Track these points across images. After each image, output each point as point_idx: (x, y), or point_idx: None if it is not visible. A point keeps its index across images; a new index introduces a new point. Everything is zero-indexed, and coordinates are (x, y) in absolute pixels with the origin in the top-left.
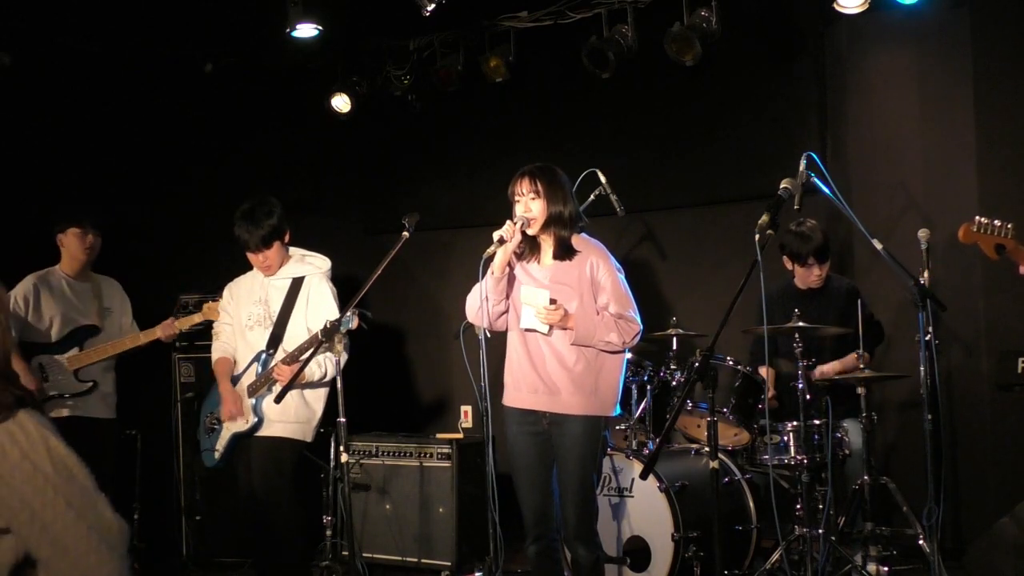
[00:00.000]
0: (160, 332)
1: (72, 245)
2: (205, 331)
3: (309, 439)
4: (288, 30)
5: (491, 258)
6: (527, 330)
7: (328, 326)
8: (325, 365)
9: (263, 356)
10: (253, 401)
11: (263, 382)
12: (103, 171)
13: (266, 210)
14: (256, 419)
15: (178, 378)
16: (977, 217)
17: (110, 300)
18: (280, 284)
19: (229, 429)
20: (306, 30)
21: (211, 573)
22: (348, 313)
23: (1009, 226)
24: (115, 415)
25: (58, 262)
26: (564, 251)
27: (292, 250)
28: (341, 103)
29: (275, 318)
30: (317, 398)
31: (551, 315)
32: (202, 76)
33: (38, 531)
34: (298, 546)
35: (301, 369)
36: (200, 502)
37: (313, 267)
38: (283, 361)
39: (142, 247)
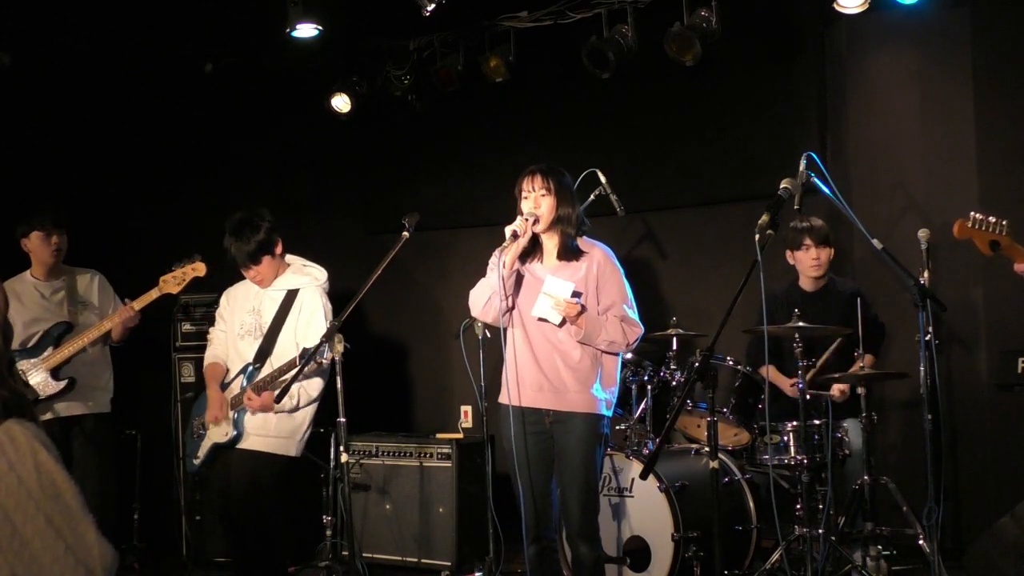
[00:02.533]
0: (118, 318)
1: (37, 249)
2: (206, 332)
3: (293, 453)
4: (288, 30)
5: (504, 251)
6: (539, 319)
7: (304, 352)
8: (297, 396)
9: (249, 369)
10: (235, 414)
11: (242, 399)
12: (103, 171)
13: (254, 224)
14: (235, 432)
15: (178, 378)
16: (972, 213)
17: (86, 293)
18: (275, 295)
19: (210, 439)
20: (306, 30)
21: (211, 573)
22: (324, 346)
23: (1004, 223)
24: (109, 409)
25: (28, 267)
26: (569, 252)
27: (291, 258)
28: (341, 103)
29: (265, 330)
30: (302, 412)
31: (570, 308)
32: (202, 76)
33: (18, 547)
34: (277, 560)
35: (277, 400)
36: (200, 502)
37: (310, 278)
38: (253, 387)
39: (142, 247)
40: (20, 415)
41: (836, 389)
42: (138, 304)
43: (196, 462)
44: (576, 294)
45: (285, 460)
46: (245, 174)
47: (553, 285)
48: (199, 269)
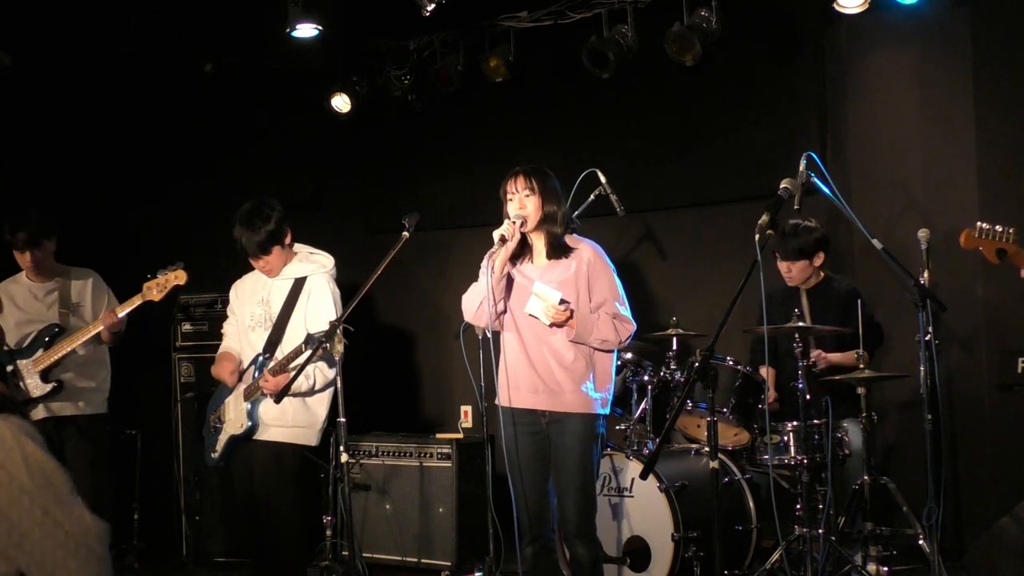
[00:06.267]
0: (101, 323)
1: (17, 259)
2: (206, 332)
3: (314, 443)
4: (288, 30)
5: (493, 257)
6: (530, 315)
7: (309, 338)
8: (313, 376)
9: (260, 360)
10: (248, 405)
11: (256, 388)
12: (103, 171)
13: (264, 215)
14: (250, 423)
15: (178, 378)
16: (979, 223)
17: (79, 296)
18: (282, 284)
19: (226, 431)
20: (306, 30)
21: (211, 573)
22: (328, 338)
23: (1011, 231)
24: (104, 410)
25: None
26: (558, 250)
27: (298, 247)
28: (341, 103)
29: (274, 320)
30: (319, 401)
31: (559, 315)
32: (202, 76)
33: (17, 541)
34: (297, 550)
35: (291, 383)
36: (200, 502)
37: (317, 265)
38: (270, 370)
39: (141, 248)
40: (3, 411)
41: (816, 353)
42: (120, 310)
43: (214, 456)
44: (563, 302)
45: (305, 449)
46: (245, 174)
47: (542, 289)
48: (180, 277)
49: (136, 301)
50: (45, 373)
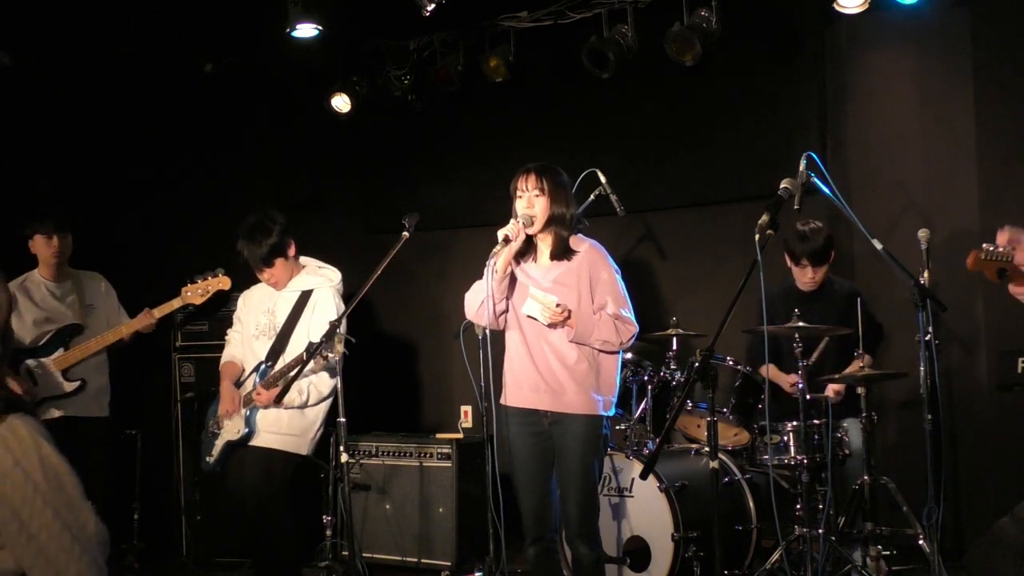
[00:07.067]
0: (137, 324)
1: (40, 250)
2: (206, 332)
3: (305, 452)
4: (288, 30)
5: (496, 257)
6: (529, 317)
7: (311, 346)
8: (307, 391)
9: (262, 367)
10: (247, 411)
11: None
12: (102, 171)
13: (265, 229)
14: (247, 429)
15: (178, 378)
16: (984, 245)
17: (92, 296)
18: (289, 296)
19: (223, 437)
20: (306, 30)
21: (211, 573)
22: (327, 339)
23: (1011, 249)
24: (107, 413)
25: (36, 266)
26: (562, 251)
27: (306, 260)
28: (341, 103)
29: (279, 330)
30: (315, 410)
31: (555, 317)
32: (202, 76)
33: (24, 541)
34: (290, 556)
35: (282, 395)
36: (200, 502)
37: (324, 279)
38: (264, 383)
39: (142, 248)
40: (19, 410)
41: (831, 390)
42: (158, 312)
43: (210, 460)
44: (557, 305)
45: (296, 458)
46: (245, 174)
47: (537, 292)
48: (224, 283)
49: (175, 304)
50: (66, 372)
